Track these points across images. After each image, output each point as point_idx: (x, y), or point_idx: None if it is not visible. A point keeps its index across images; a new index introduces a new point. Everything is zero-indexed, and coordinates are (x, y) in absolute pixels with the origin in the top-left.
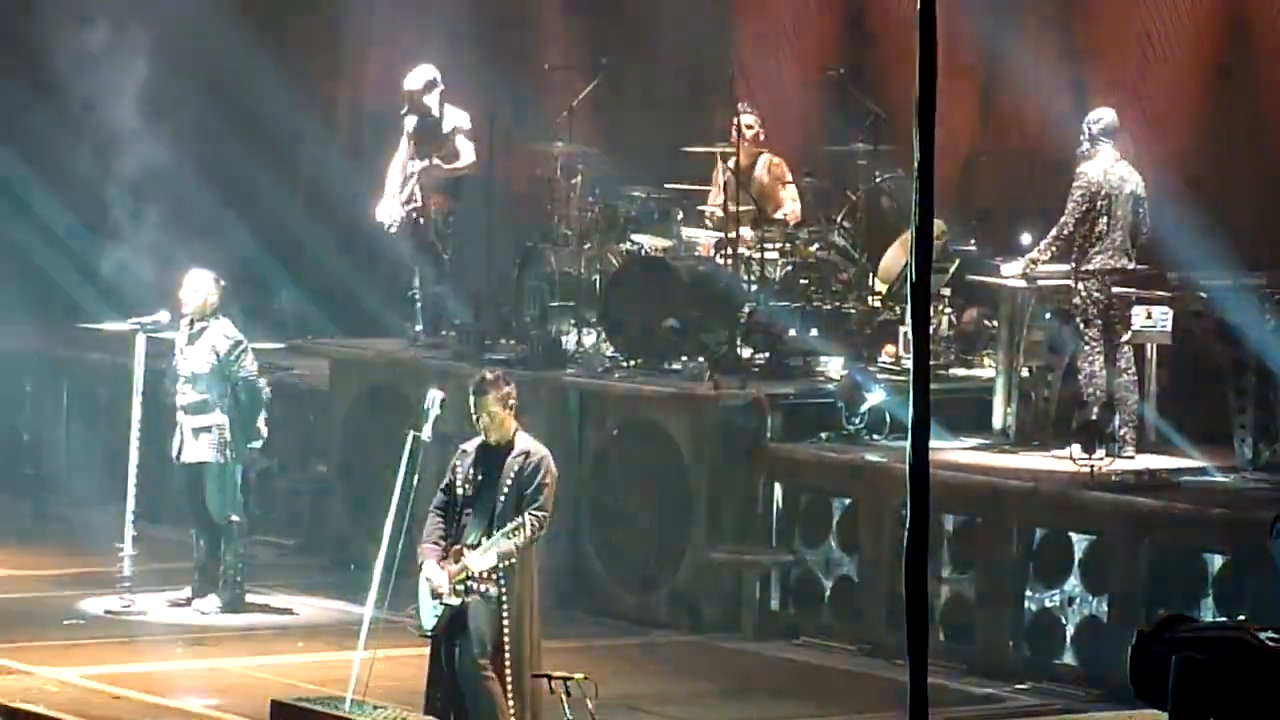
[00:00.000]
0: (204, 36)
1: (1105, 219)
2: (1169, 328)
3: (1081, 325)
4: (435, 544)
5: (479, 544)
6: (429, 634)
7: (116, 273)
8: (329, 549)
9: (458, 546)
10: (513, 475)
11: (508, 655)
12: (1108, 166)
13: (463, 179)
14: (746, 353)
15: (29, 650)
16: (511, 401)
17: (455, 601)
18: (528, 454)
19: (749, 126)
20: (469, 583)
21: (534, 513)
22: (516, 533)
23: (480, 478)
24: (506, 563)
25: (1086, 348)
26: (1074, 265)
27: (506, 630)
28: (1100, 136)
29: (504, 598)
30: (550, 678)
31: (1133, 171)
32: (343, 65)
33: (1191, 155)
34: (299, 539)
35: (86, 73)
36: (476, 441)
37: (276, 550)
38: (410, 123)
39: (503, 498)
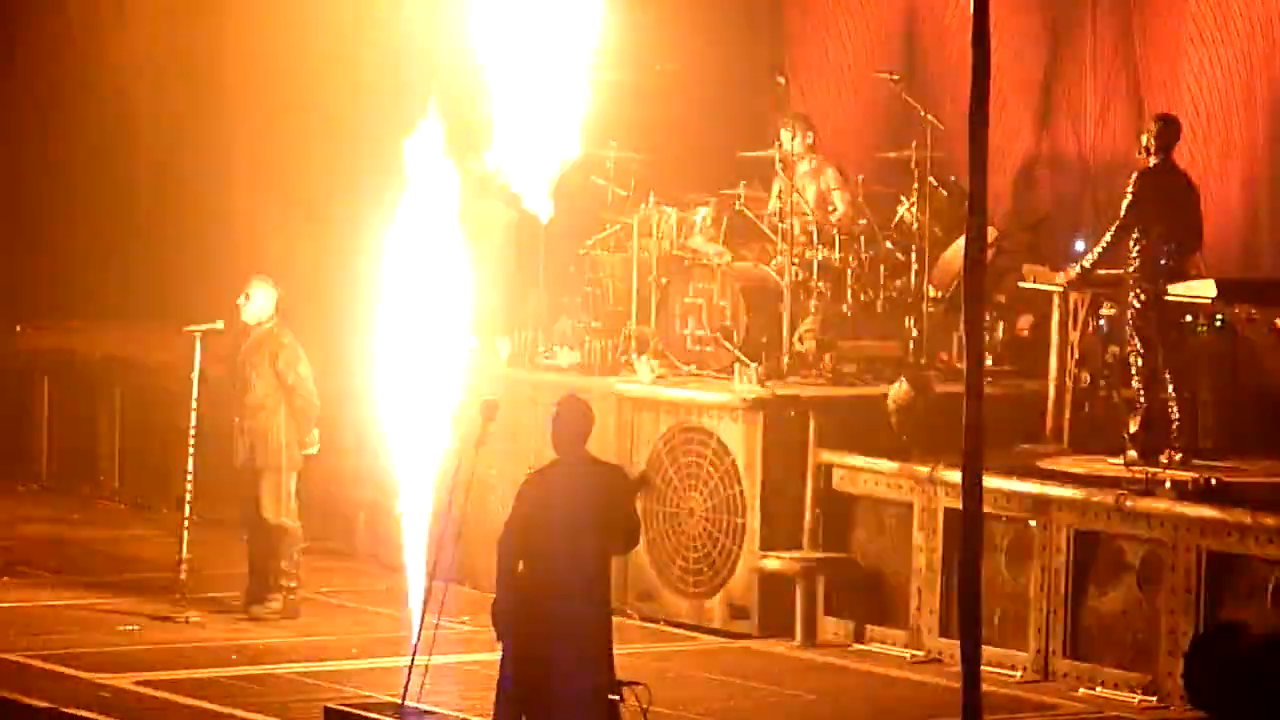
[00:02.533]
0: None
1: (1159, 226)
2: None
3: (1134, 331)
4: None
5: None
6: None
7: None
8: (382, 555)
9: None
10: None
11: None
12: (1163, 173)
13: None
14: (800, 358)
15: (83, 655)
16: None
17: None
18: None
19: (803, 131)
20: None
21: None
22: None
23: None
24: None
25: (1139, 354)
26: (1127, 271)
27: None
28: (1158, 143)
29: None
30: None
31: (1187, 177)
32: None
33: (1250, 160)
34: (352, 545)
35: None
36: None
37: (330, 556)
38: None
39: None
